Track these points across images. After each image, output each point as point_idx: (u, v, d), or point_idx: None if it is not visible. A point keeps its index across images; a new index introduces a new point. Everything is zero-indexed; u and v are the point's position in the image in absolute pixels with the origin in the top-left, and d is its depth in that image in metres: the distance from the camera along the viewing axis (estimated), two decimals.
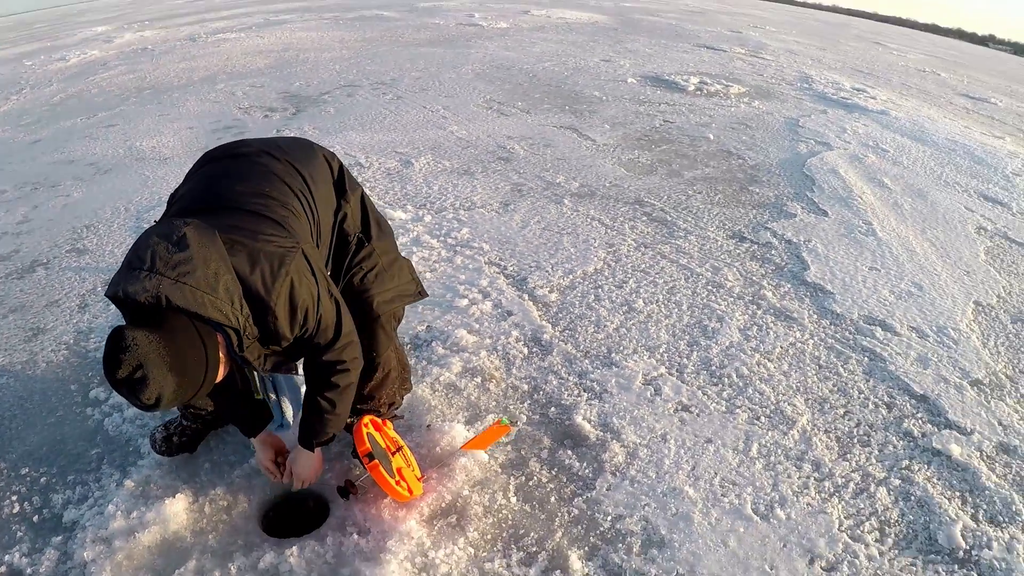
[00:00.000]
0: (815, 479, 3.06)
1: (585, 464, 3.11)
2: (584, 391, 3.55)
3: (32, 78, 12.51)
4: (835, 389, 3.63)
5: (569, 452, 3.17)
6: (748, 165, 7.05)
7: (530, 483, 3.00)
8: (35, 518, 2.95)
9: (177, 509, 2.88)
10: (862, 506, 2.94)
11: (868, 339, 4.04)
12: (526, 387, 3.59)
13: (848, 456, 3.20)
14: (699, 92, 10.33)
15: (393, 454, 2.85)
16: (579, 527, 2.81)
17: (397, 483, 2.72)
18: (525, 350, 3.87)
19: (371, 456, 2.65)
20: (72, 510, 2.95)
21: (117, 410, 3.52)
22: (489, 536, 2.78)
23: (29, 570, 2.72)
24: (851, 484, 3.05)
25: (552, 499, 2.93)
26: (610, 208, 5.81)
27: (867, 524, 2.86)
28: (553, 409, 3.44)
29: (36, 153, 8.07)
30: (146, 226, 5.50)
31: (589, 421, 3.35)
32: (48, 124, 9.28)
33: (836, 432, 3.34)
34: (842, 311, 4.31)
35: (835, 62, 15.08)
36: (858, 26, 29.17)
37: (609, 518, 2.85)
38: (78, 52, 14.62)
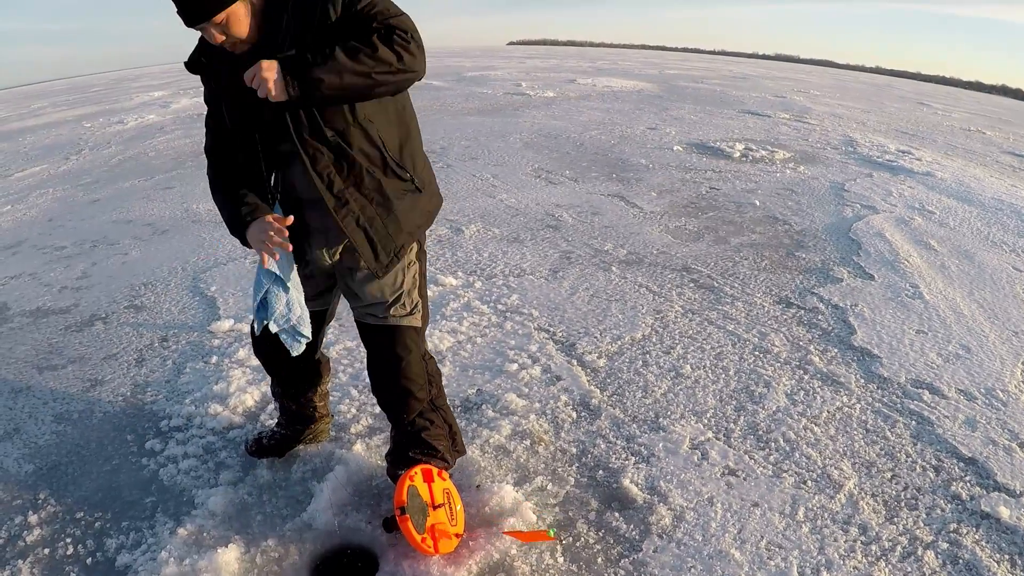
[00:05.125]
0: (862, 542, 3.07)
1: (632, 526, 3.16)
2: (632, 455, 3.63)
3: (92, 139, 12.99)
4: (882, 453, 3.65)
5: (616, 514, 3.23)
6: (794, 230, 7.13)
7: (577, 544, 3.06)
8: (88, 560, 3.06)
9: (229, 559, 2.97)
10: (909, 570, 2.94)
11: (916, 402, 4.06)
12: (574, 450, 3.67)
13: (895, 519, 3.21)
14: (744, 158, 10.46)
15: (435, 508, 2.94)
16: None
17: (423, 540, 2.80)
18: (574, 414, 3.96)
19: (403, 510, 2.75)
20: (125, 555, 3.06)
21: (172, 461, 3.66)
22: None
23: None
24: (898, 548, 3.05)
25: (599, 560, 2.98)
26: (657, 275, 5.92)
27: None
28: (601, 472, 3.51)
29: (95, 212, 8.44)
30: (202, 285, 5.79)
31: (636, 484, 3.41)
32: (107, 184, 9.67)
33: (883, 495, 3.35)
34: (889, 375, 4.34)
35: (879, 124, 15.15)
36: (901, 87, 29.22)
37: None
38: (136, 116, 15.17)
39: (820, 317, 5.12)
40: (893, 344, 4.73)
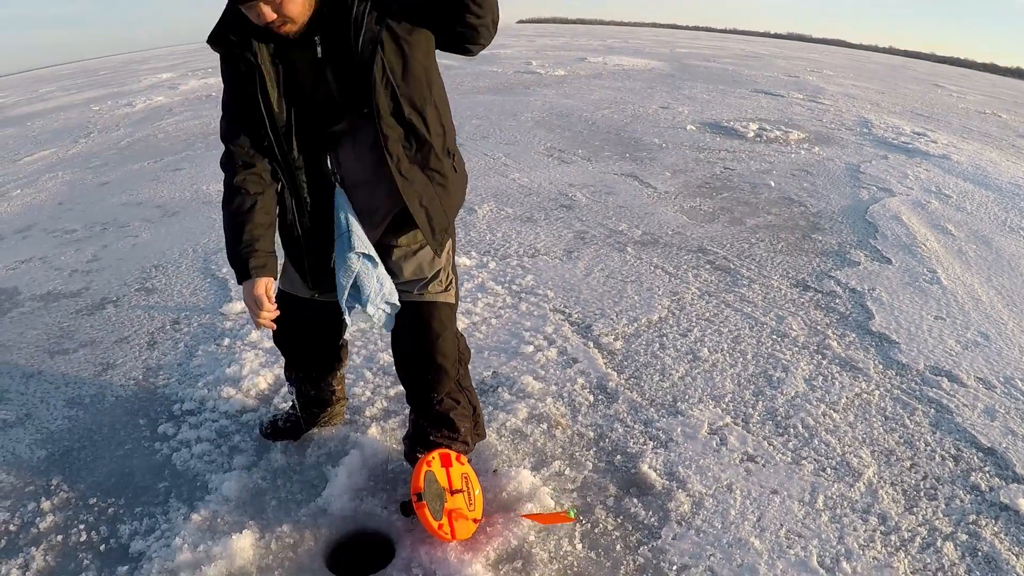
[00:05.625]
0: (881, 532, 3.04)
1: (651, 512, 3.14)
2: (650, 439, 3.60)
3: (100, 122, 12.94)
4: (901, 441, 3.62)
5: (635, 500, 3.20)
6: (810, 212, 7.07)
7: (596, 530, 3.04)
8: (102, 547, 3.04)
9: (243, 544, 2.95)
10: (928, 561, 2.91)
11: (934, 390, 4.02)
12: (592, 434, 3.64)
13: (915, 510, 3.18)
14: (759, 139, 10.37)
15: (453, 493, 2.91)
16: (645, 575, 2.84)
17: (440, 526, 2.78)
18: (591, 397, 3.93)
19: (420, 496, 2.72)
20: (139, 541, 3.04)
21: (185, 446, 3.64)
22: None
23: None
24: (917, 538, 3.02)
25: (618, 547, 2.96)
26: (673, 256, 5.88)
27: None
28: (619, 457, 3.48)
29: (105, 195, 8.40)
30: (213, 267, 5.72)
31: (655, 470, 3.38)
32: (117, 167, 9.63)
33: (903, 485, 3.32)
34: (908, 361, 4.30)
35: (894, 106, 15.03)
36: (915, 68, 29.01)
37: (675, 567, 2.86)
38: (144, 98, 15.11)
39: (838, 301, 5.07)
40: (911, 330, 4.69)
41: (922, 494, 3.27)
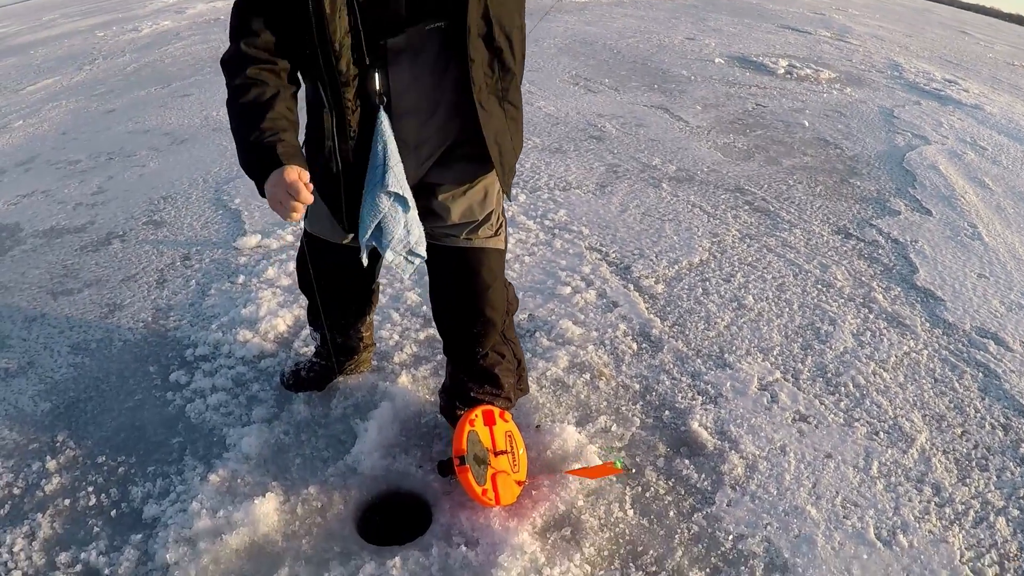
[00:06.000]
0: (936, 504, 2.93)
1: (703, 476, 3.00)
2: (698, 394, 3.45)
3: (105, 48, 12.52)
4: (951, 406, 3.48)
5: (686, 461, 3.07)
6: (846, 156, 6.84)
7: (647, 494, 2.90)
8: (113, 512, 2.87)
9: (267, 510, 2.76)
10: (982, 536, 2.81)
11: (982, 353, 3.88)
12: (637, 386, 3.48)
13: (967, 481, 3.06)
14: (789, 76, 10.05)
15: (497, 455, 2.74)
16: (700, 546, 2.71)
17: (484, 492, 2.61)
18: (634, 345, 3.76)
19: (463, 460, 2.55)
20: (153, 505, 2.86)
21: (200, 396, 3.44)
22: (606, 553, 2.67)
23: (107, 571, 2.63)
24: (971, 512, 2.91)
25: (671, 513, 2.83)
26: (710, 195, 5.67)
27: (987, 557, 2.73)
28: (667, 413, 3.33)
29: (111, 123, 8.07)
30: (225, 197, 5.47)
31: (706, 428, 3.24)
32: (122, 94, 9.29)
33: (955, 453, 3.20)
34: (954, 320, 4.14)
35: (922, 50, 14.63)
36: (940, 13, 28.32)
37: (731, 537, 2.74)
38: (150, 23, 14.61)
39: (880, 252, 4.89)
40: (956, 287, 4.52)
41: (974, 464, 3.15)
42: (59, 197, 5.99)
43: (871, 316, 4.12)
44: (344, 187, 2.36)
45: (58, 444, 3.22)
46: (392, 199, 2.29)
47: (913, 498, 2.94)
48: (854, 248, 4.92)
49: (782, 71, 10.21)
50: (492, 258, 2.63)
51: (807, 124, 7.76)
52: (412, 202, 2.35)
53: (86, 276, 4.61)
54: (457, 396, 2.94)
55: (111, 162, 6.73)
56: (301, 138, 2.30)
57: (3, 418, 3.41)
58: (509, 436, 2.86)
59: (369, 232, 2.33)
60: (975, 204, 5.93)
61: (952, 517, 2.87)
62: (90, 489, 2.97)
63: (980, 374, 3.71)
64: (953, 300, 4.36)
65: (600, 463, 2.90)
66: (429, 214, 2.52)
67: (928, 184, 6.24)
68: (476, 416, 2.75)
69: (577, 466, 2.92)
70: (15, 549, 2.76)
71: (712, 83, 9.28)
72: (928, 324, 4.10)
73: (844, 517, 2.83)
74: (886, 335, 3.95)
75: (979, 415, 3.43)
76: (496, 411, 2.86)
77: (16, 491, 2.99)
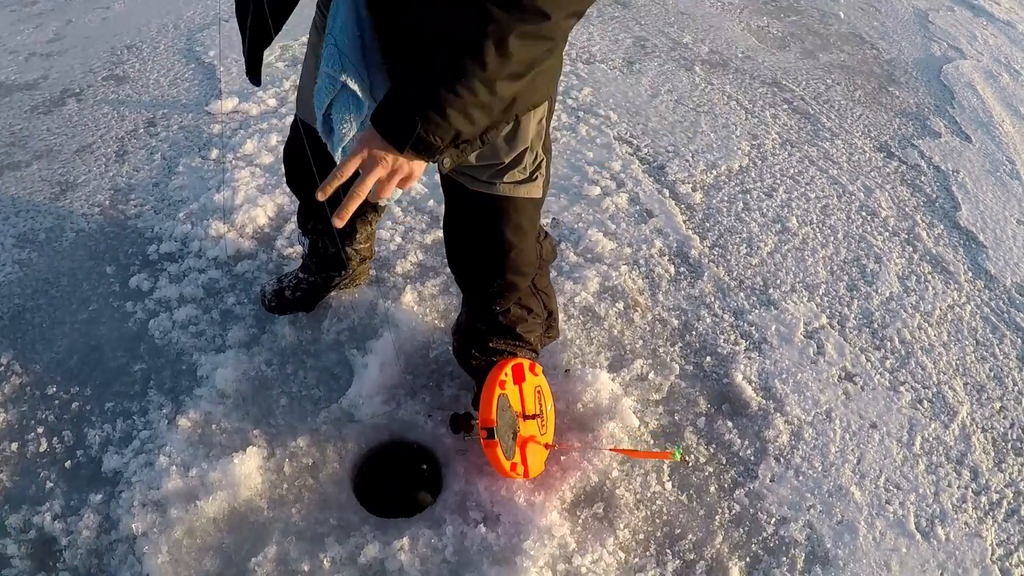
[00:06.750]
0: (972, 491, 2.70)
1: (747, 443, 2.71)
2: (742, 337, 3.11)
3: None
4: (991, 375, 3.20)
5: (728, 423, 2.76)
6: (883, 59, 6.35)
7: (687, 466, 2.60)
8: (67, 463, 2.49)
9: (249, 469, 2.39)
10: (1012, 531, 2.61)
11: (1021, 315, 3.57)
12: (676, 322, 3.12)
13: (1003, 466, 2.82)
14: None
15: (527, 419, 2.36)
16: (741, 530, 2.45)
17: (513, 467, 2.25)
18: (672, 268, 3.38)
19: (492, 433, 2.15)
20: (113, 456, 2.49)
21: (165, 307, 3.01)
22: (641, 536, 2.39)
23: (65, 540, 2.29)
24: (1004, 503, 2.70)
25: (711, 488, 2.55)
26: (747, 87, 5.16)
27: (1016, 556, 2.54)
28: (709, 359, 2.99)
29: None
30: (198, 48, 4.77)
31: (750, 382, 2.92)
32: None
33: (992, 432, 2.95)
34: (995, 272, 3.82)
35: None
36: None
37: (773, 520, 2.49)
38: None
39: (923, 179, 4.50)
40: (997, 233, 4.18)
41: (1009, 447, 2.91)
42: (11, 46, 5.23)
43: (915, 257, 3.78)
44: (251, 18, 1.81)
45: (1, 368, 2.78)
46: (340, 88, 1.64)
47: (953, 483, 2.72)
48: (897, 171, 4.52)
49: None
50: (522, 210, 2.06)
51: (843, 16, 7.20)
52: (369, 101, 1.68)
53: (36, 145, 4.01)
54: (473, 343, 2.48)
55: (71, 3, 5.86)
56: None
57: None
58: (539, 393, 2.48)
59: (319, 121, 1.73)
60: (1012, 136, 5.54)
61: (987, 507, 2.67)
62: (40, 430, 2.58)
63: (1019, 340, 3.43)
64: (995, 248, 4.03)
65: (653, 449, 2.59)
66: None
67: (967, 105, 5.82)
68: (506, 376, 2.32)
69: (613, 428, 2.58)
70: None
71: None
72: (971, 274, 3.78)
73: (886, 502, 2.60)
74: (931, 282, 3.63)
75: (1017, 389, 3.16)
76: (526, 364, 2.43)
77: None
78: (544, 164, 2.05)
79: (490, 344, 2.43)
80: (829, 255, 3.64)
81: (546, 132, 2.02)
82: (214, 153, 3.89)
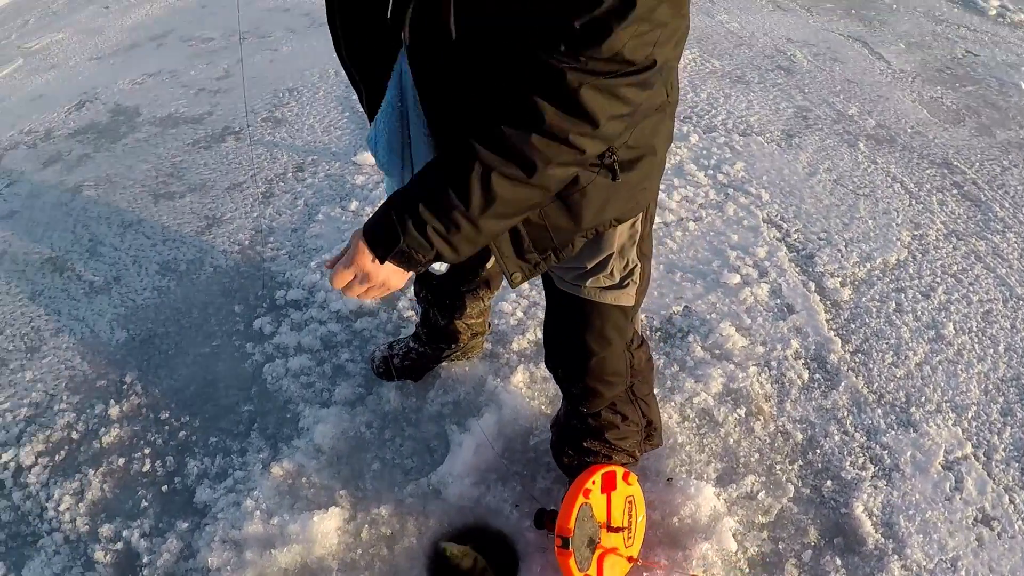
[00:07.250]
0: None
1: None
2: (871, 462, 2.84)
3: None
4: None
5: (837, 560, 2.51)
6: None
7: None
8: (164, 487, 2.64)
9: (328, 528, 2.42)
10: None
11: None
12: (800, 436, 2.90)
13: None
14: (1001, 19, 8.72)
15: (611, 531, 2.23)
16: None
17: None
18: (805, 374, 3.16)
19: (567, 543, 2.03)
20: (206, 488, 2.61)
21: (281, 354, 3.11)
22: None
23: (147, 558, 2.43)
24: None
25: None
26: (914, 167, 4.81)
27: None
28: (829, 483, 2.75)
29: None
30: (354, 97, 4.89)
31: (871, 515, 2.66)
32: None
33: None
34: None
35: None
36: None
37: None
38: None
39: None
40: None
41: None
42: (184, 79, 5.72)
43: None
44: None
45: (125, 385, 3.01)
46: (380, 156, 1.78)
47: None
48: None
49: (993, 12, 8.87)
50: (607, 317, 1.98)
51: None
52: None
53: (192, 178, 4.32)
54: (567, 441, 2.39)
55: (244, 43, 6.35)
56: None
57: (79, 343, 3.23)
58: (630, 503, 2.34)
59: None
60: None
61: None
62: (147, 451, 2.76)
63: None
64: None
65: None
66: None
67: None
68: (593, 484, 2.20)
69: (706, 550, 2.44)
70: (61, 508, 2.61)
71: (916, 16, 8.13)
72: None
73: None
74: None
75: None
76: (619, 473, 2.30)
77: (75, 435, 2.82)
78: (638, 270, 1.96)
79: (584, 444, 2.32)
80: (986, 371, 3.28)
81: (642, 235, 1.91)
82: (353, 204, 4.01)
